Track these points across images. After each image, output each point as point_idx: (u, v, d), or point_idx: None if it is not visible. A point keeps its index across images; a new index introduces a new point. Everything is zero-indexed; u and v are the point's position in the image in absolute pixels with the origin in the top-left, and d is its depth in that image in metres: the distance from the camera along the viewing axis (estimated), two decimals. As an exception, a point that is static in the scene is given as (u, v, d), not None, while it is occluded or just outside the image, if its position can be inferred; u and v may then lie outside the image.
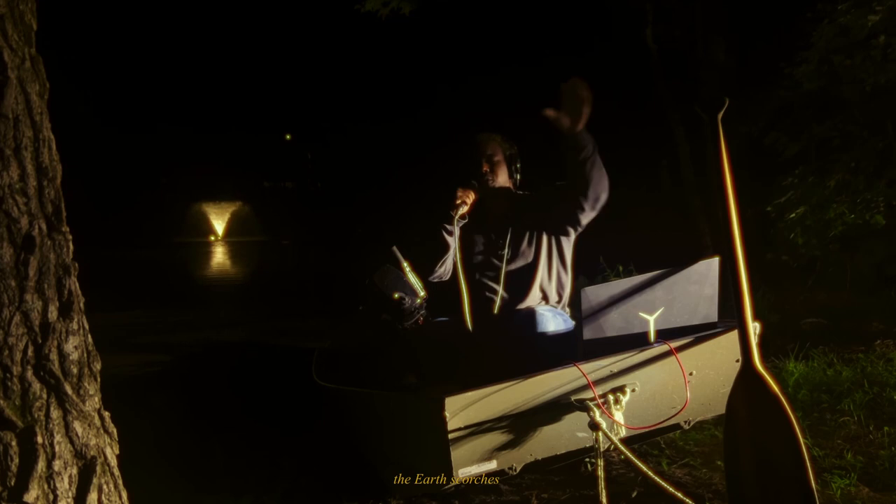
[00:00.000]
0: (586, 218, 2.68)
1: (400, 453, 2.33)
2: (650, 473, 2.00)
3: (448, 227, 2.76)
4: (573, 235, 2.83)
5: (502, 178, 2.85)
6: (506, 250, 2.80)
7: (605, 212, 2.66)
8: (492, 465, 1.96)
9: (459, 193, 2.75)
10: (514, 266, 2.79)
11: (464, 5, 9.58)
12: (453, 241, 2.78)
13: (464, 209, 2.75)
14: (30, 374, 1.51)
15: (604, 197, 2.60)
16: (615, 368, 2.05)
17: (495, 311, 2.77)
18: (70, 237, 1.62)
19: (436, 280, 2.85)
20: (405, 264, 2.76)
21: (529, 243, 2.81)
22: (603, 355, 2.07)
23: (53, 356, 1.54)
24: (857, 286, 5.48)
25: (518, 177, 2.90)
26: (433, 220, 2.79)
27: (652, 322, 2.19)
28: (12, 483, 1.47)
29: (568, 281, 2.87)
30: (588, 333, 2.16)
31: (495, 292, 2.79)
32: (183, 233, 25.20)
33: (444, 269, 2.83)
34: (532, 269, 2.79)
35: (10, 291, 1.50)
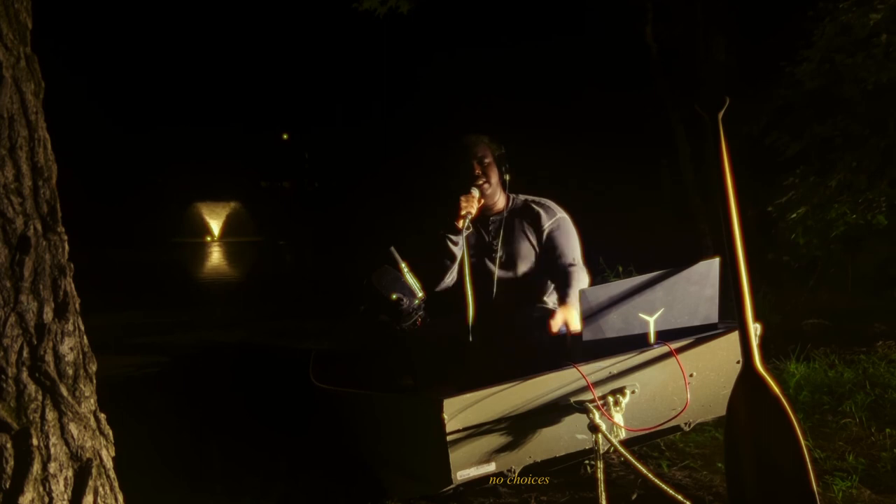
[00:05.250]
0: None
1: (398, 456, 2.32)
2: (650, 476, 1.99)
3: (454, 238, 2.75)
4: None
5: (493, 179, 2.85)
6: (498, 251, 2.80)
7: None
8: (490, 468, 1.95)
9: (463, 203, 2.73)
10: (506, 266, 2.80)
11: (462, 3, 9.57)
12: (459, 251, 2.78)
13: (469, 218, 2.74)
14: (25, 375, 1.50)
15: None
16: (615, 370, 2.04)
17: (490, 310, 2.76)
18: (65, 237, 1.61)
19: (442, 290, 2.84)
20: (403, 265, 2.74)
21: (521, 244, 2.82)
22: (602, 356, 2.06)
23: (49, 357, 1.53)
24: (859, 287, 5.47)
25: (507, 177, 2.89)
26: (438, 233, 2.77)
27: (652, 323, 2.18)
28: (7, 486, 1.46)
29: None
30: (587, 334, 2.15)
31: (489, 293, 2.78)
32: (180, 233, 25.12)
33: (451, 279, 2.83)
34: (524, 269, 2.81)
35: (6, 292, 1.49)
